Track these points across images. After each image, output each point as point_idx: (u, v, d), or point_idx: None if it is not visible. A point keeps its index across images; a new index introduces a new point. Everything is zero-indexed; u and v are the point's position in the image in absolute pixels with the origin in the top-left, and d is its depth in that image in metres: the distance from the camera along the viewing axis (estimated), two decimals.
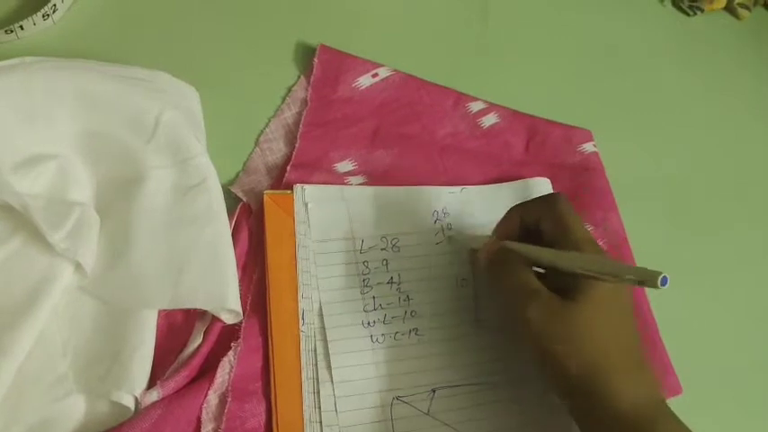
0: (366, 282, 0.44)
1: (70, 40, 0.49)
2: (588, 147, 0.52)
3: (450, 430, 0.40)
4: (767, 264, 0.51)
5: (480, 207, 0.47)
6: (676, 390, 0.44)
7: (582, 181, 0.50)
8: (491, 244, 0.40)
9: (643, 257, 0.48)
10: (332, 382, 0.40)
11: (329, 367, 0.41)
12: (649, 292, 0.47)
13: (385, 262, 0.45)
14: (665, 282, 0.31)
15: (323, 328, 0.42)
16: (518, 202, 0.41)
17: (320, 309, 0.42)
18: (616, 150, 0.52)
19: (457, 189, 0.48)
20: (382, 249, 0.45)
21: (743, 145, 0.56)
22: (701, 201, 0.53)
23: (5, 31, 0.48)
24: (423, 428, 0.40)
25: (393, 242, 0.45)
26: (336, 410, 0.40)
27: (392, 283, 0.44)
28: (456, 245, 0.45)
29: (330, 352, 0.41)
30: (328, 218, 0.45)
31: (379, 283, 0.44)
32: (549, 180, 0.49)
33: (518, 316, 0.37)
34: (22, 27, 0.49)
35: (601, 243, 0.48)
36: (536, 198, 0.41)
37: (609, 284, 0.35)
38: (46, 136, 0.44)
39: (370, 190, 0.47)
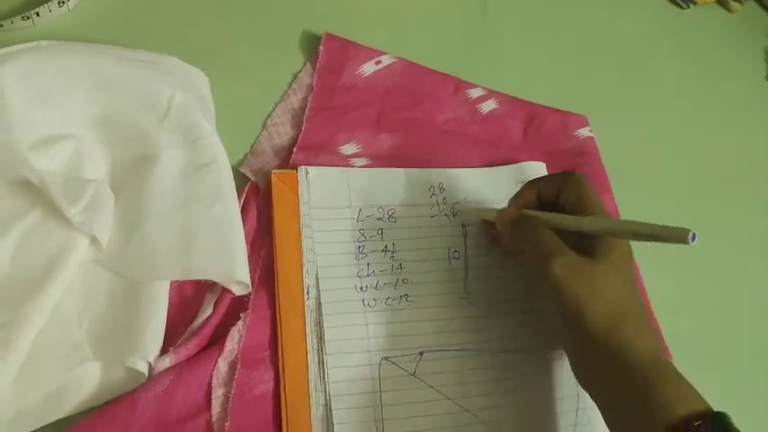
0: (361, 249, 0.46)
1: (84, 27, 0.51)
2: (584, 132, 0.54)
3: (433, 392, 0.42)
4: (754, 242, 0.53)
5: (475, 187, 0.49)
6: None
7: (577, 164, 0.52)
8: (510, 211, 0.42)
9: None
10: (323, 340, 0.42)
11: (322, 327, 0.43)
12: (642, 264, 0.48)
13: (380, 231, 0.46)
14: (694, 237, 0.33)
15: (318, 290, 0.44)
16: (532, 179, 0.43)
17: (317, 273, 0.44)
18: (611, 136, 0.54)
19: (454, 171, 0.50)
20: (378, 219, 0.47)
21: (734, 131, 0.58)
22: (694, 184, 0.54)
23: (22, 17, 0.50)
24: (408, 389, 0.42)
25: (389, 213, 0.47)
26: (327, 367, 0.41)
27: (386, 251, 0.46)
28: (463, 217, 0.46)
29: (323, 313, 0.43)
30: (329, 189, 0.47)
31: (373, 251, 0.46)
32: (544, 164, 0.51)
33: (542, 273, 0.38)
34: (38, 14, 0.50)
35: None
36: (555, 174, 0.42)
37: (625, 245, 0.38)
38: (62, 117, 0.45)
39: (371, 171, 0.49)
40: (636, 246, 0.48)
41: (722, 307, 0.49)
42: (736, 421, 0.43)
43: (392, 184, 0.48)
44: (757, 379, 0.47)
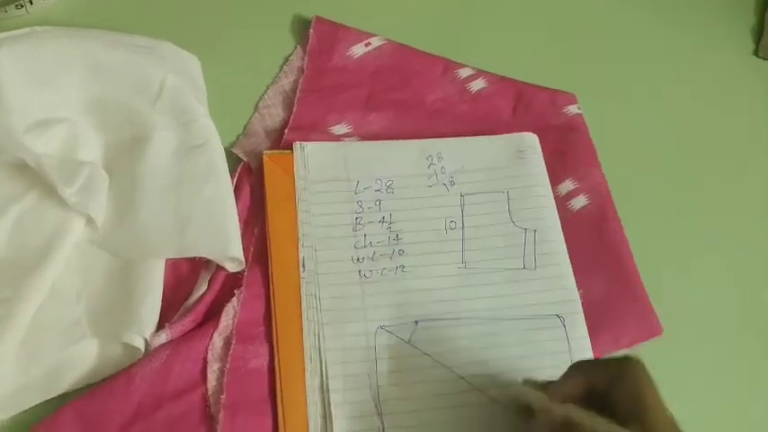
0: (359, 220, 0.46)
1: (77, 14, 0.52)
2: (572, 109, 0.54)
3: (428, 359, 0.43)
4: (744, 212, 0.53)
5: (473, 155, 0.50)
6: (656, 331, 0.46)
7: (566, 140, 0.52)
8: (557, 411, 0.34)
9: (626, 210, 0.50)
10: (320, 310, 0.43)
11: (318, 298, 0.43)
12: (630, 234, 0.49)
13: (378, 202, 0.47)
14: None
15: (315, 262, 0.44)
16: (581, 360, 0.37)
17: (314, 245, 0.45)
18: (600, 113, 0.55)
19: (452, 140, 0.50)
20: (376, 190, 0.47)
21: (721, 106, 0.58)
22: (681, 157, 0.55)
23: (16, 6, 0.51)
24: (403, 356, 0.43)
25: (387, 184, 0.48)
26: (323, 335, 0.42)
27: (383, 222, 0.47)
28: (503, 400, 0.41)
29: (320, 284, 0.44)
30: (326, 163, 0.48)
31: (370, 222, 0.46)
32: (536, 136, 0.51)
33: None
34: (31, 2, 0.51)
35: (583, 196, 0.50)
36: (608, 360, 0.36)
37: None
38: (56, 101, 0.46)
39: (368, 143, 0.49)
40: (623, 210, 0.49)
41: (710, 278, 0.50)
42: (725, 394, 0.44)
43: (390, 156, 0.49)
44: (745, 350, 0.48)
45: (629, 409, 0.33)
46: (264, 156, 0.47)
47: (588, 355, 0.44)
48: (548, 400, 0.35)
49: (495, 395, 0.41)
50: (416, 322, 0.43)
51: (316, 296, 0.43)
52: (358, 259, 0.45)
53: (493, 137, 0.51)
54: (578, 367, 0.36)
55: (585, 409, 0.34)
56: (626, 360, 0.35)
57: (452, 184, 0.48)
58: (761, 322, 0.49)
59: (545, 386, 0.38)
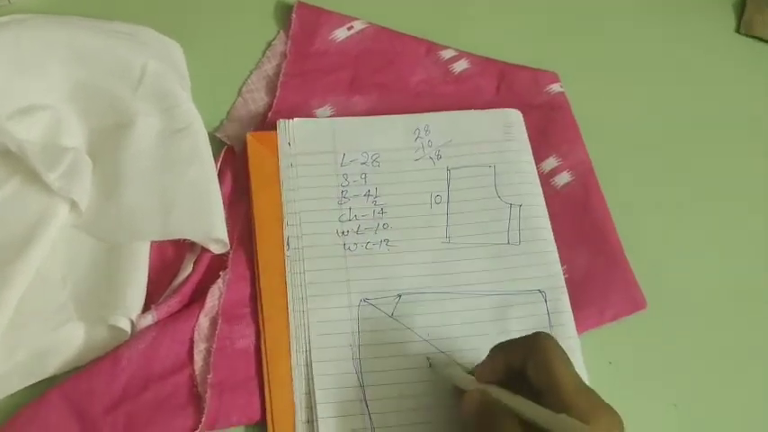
0: (344, 193, 0.46)
1: (58, 3, 0.52)
2: (555, 87, 0.54)
3: (410, 333, 0.43)
4: (727, 188, 0.53)
5: (459, 129, 0.50)
6: (640, 305, 0.46)
7: (549, 118, 0.53)
8: (475, 393, 0.37)
9: (610, 186, 0.50)
10: (304, 285, 0.43)
11: (303, 273, 0.43)
12: (614, 210, 0.49)
13: (364, 175, 0.47)
14: None
15: (300, 236, 0.44)
16: (501, 342, 0.38)
17: (299, 218, 0.45)
18: (583, 92, 0.55)
19: (440, 114, 0.50)
20: (362, 164, 0.48)
21: (703, 83, 0.58)
22: (664, 135, 0.55)
23: None
24: (386, 330, 0.43)
25: (374, 157, 0.48)
26: (307, 308, 0.42)
27: (369, 195, 0.47)
28: (438, 371, 0.42)
29: (304, 257, 0.44)
30: (312, 136, 0.48)
31: (356, 196, 0.46)
32: (520, 113, 0.51)
33: None
34: None
35: (567, 173, 0.50)
36: (520, 339, 0.37)
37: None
38: (39, 87, 0.46)
39: (355, 118, 0.49)
40: (613, 199, 0.49)
41: (694, 252, 0.50)
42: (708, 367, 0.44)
43: (377, 129, 0.49)
44: (728, 323, 0.48)
45: (543, 383, 0.34)
46: (248, 135, 0.47)
47: (571, 330, 0.44)
48: (475, 381, 0.38)
49: (444, 375, 0.41)
50: (399, 296, 0.44)
51: (300, 272, 0.44)
52: (343, 232, 0.45)
53: (480, 111, 0.51)
54: (499, 348, 0.38)
55: (506, 388, 0.36)
56: (535, 336, 0.36)
57: (439, 157, 0.49)
58: (743, 296, 0.49)
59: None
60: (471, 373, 0.39)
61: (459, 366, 0.41)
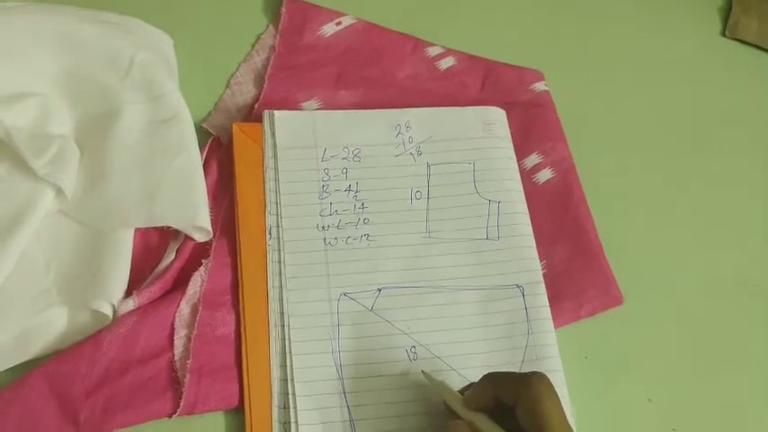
0: (325, 188, 0.47)
1: None
2: (539, 86, 0.55)
3: (389, 327, 0.43)
4: (707, 187, 0.54)
5: (440, 126, 0.50)
6: (617, 301, 0.47)
7: (533, 116, 0.53)
8: (462, 427, 0.37)
9: (591, 184, 0.51)
10: (284, 277, 0.44)
11: (283, 264, 0.44)
12: (595, 208, 0.50)
13: (345, 170, 0.48)
14: None
15: (281, 229, 0.45)
16: (493, 372, 0.38)
17: (279, 212, 0.46)
18: (568, 91, 0.56)
19: (421, 110, 0.51)
20: (343, 159, 0.48)
21: (688, 85, 0.59)
22: (648, 136, 0.56)
23: None
24: (365, 323, 0.43)
25: (354, 152, 0.48)
26: (287, 302, 0.43)
27: (350, 190, 0.47)
28: (430, 382, 0.41)
29: (285, 250, 0.44)
30: (295, 130, 0.48)
31: (337, 190, 0.47)
32: (504, 111, 0.52)
33: None
34: None
35: (548, 170, 0.51)
36: (513, 375, 0.37)
37: None
38: (27, 75, 0.47)
39: (337, 112, 0.50)
40: (594, 196, 0.50)
41: (672, 250, 0.51)
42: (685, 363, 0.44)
43: (359, 124, 0.49)
44: (705, 320, 0.49)
45: (531, 427, 0.34)
46: (234, 126, 0.48)
47: (548, 324, 0.45)
48: (463, 402, 0.38)
49: (428, 377, 0.41)
50: (379, 290, 0.44)
51: (281, 262, 0.44)
52: (323, 227, 0.46)
53: (461, 108, 0.51)
54: (491, 378, 0.37)
55: (494, 420, 0.36)
56: (529, 377, 0.35)
57: (419, 153, 0.49)
58: (719, 294, 0.49)
59: (467, 387, 0.39)
60: (462, 390, 0.39)
61: (450, 388, 0.40)
